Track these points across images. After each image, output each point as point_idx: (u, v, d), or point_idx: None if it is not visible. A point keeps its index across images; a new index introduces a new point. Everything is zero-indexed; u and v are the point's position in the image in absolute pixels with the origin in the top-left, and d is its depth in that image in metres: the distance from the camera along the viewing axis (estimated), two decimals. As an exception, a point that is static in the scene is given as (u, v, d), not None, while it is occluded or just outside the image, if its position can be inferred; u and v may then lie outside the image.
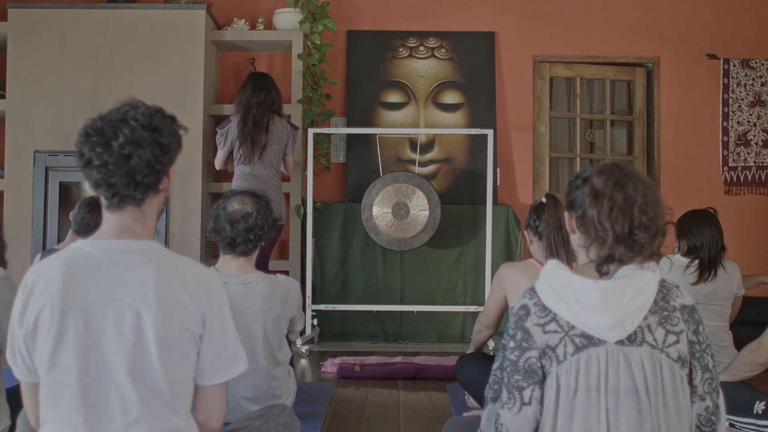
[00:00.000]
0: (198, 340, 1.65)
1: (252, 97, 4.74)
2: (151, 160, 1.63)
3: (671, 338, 1.68)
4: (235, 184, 4.76)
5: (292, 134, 4.85)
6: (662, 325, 1.69)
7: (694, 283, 3.49)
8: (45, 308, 1.61)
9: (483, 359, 3.39)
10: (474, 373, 3.30)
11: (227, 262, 2.84)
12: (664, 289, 1.74)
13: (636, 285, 1.68)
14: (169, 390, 1.62)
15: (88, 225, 3.79)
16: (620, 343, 1.66)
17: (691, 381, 1.73)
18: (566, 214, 1.81)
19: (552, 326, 1.69)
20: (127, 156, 1.62)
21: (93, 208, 3.81)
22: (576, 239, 1.79)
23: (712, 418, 1.73)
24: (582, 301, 1.67)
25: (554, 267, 1.74)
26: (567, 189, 1.82)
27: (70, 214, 3.88)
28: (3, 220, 2.83)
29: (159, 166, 1.65)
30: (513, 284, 3.09)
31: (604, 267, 1.71)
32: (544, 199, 3.10)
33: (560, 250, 2.96)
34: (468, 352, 3.52)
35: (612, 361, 1.65)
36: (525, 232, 3.20)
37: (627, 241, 1.70)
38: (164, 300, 1.61)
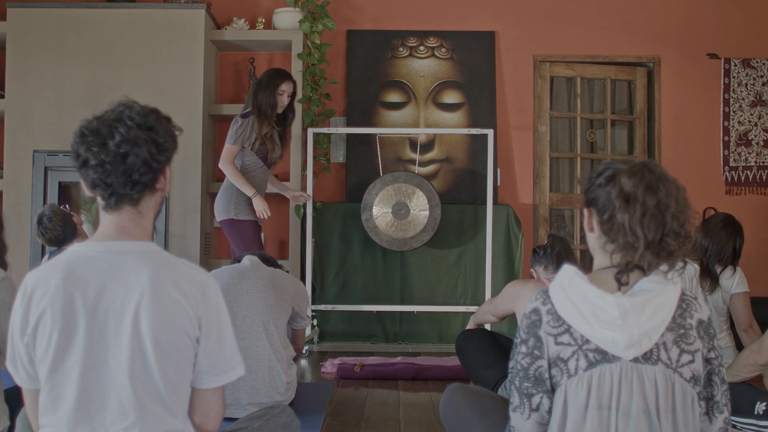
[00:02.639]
0: (195, 343, 1.64)
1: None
2: (148, 159, 1.63)
3: (686, 358, 1.64)
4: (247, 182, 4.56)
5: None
6: (677, 344, 1.63)
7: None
8: (46, 313, 1.60)
9: (487, 344, 3.35)
10: (479, 363, 3.27)
11: None
12: (684, 304, 1.67)
13: (656, 301, 1.62)
14: (166, 392, 1.61)
15: (44, 236, 3.78)
16: (635, 360, 1.61)
17: (712, 396, 1.70)
18: (585, 212, 1.74)
19: (565, 338, 1.64)
20: (124, 155, 1.61)
21: (40, 225, 3.81)
22: (594, 238, 1.72)
23: (728, 427, 1.71)
24: (599, 316, 1.60)
25: (572, 275, 1.66)
26: (587, 185, 1.74)
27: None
28: (3, 221, 2.82)
29: (155, 164, 1.65)
30: (524, 305, 3.11)
31: (624, 277, 1.63)
32: (548, 238, 3.23)
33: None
34: (471, 331, 3.54)
35: (625, 379, 1.61)
36: (532, 270, 3.31)
37: (656, 248, 1.63)
38: (160, 301, 1.60)
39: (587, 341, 1.62)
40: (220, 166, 4.53)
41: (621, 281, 1.63)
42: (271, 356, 3.07)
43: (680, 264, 1.68)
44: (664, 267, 1.66)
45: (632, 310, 1.59)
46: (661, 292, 1.63)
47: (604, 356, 1.62)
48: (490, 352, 3.28)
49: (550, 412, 1.67)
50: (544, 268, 3.21)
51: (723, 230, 3.67)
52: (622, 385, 1.61)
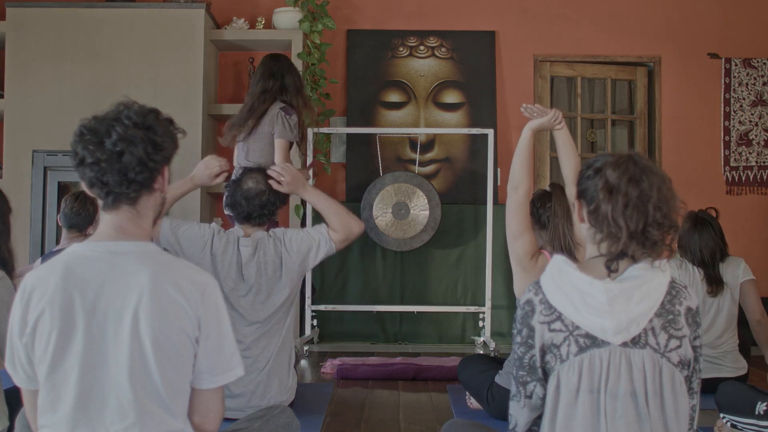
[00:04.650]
0: (194, 343, 1.64)
1: (256, 86, 4.24)
2: (144, 158, 1.62)
3: (673, 343, 1.67)
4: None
5: (279, 118, 4.15)
6: (666, 329, 1.67)
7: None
8: (44, 313, 1.60)
9: (484, 361, 3.39)
10: (475, 372, 3.31)
11: (242, 229, 3.14)
12: (674, 291, 1.71)
13: (644, 288, 1.66)
14: (166, 392, 1.61)
15: (80, 215, 3.75)
16: (624, 344, 1.65)
17: (690, 382, 1.72)
18: (576, 203, 1.78)
19: (557, 325, 1.68)
20: (119, 153, 1.61)
21: (80, 198, 3.77)
22: (585, 229, 1.76)
23: (693, 414, 1.75)
24: (588, 303, 1.65)
25: (561, 264, 1.71)
26: (578, 177, 1.78)
27: (58, 215, 3.84)
28: (10, 227, 2.83)
29: (152, 164, 1.64)
30: (527, 274, 2.95)
31: (613, 264, 1.68)
32: (548, 188, 3.05)
33: (569, 240, 2.90)
34: (472, 355, 3.52)
35: (614, 363, 1.65)
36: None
37: (640, 238, 1.67)
38: (159, 301, 1.60)
39: (577, 327, 1.66)
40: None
41: (611, 268, 1.68)
42: (270, 385, 3.08)
43: (668, 253, 1.71)
44: (650, 258, 1.69)
45: (620, 296, 1.63)
46: (650, 279, 1.67)
47: (593, 341, 1.66)
48: (487, 364, 3.32)
49: (542, 399, 1.71)
50: (538, 226, 2.98)
51: (707, 227, 3.67)
52: (610, 369, 1.64)
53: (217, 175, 3.21)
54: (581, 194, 1.76)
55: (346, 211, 3.18)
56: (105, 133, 1.61)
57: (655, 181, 1.69)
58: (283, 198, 3.18)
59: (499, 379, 3.08)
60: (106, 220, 1.69)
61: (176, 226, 3.07)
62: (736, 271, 3.65)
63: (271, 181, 3.12)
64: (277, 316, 3.11)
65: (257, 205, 3.09)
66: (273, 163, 4.07)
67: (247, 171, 3.22)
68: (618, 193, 1.67)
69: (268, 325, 3.09)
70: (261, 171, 3.19)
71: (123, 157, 1.61)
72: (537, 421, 1.75)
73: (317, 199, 3.20)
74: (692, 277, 3.63)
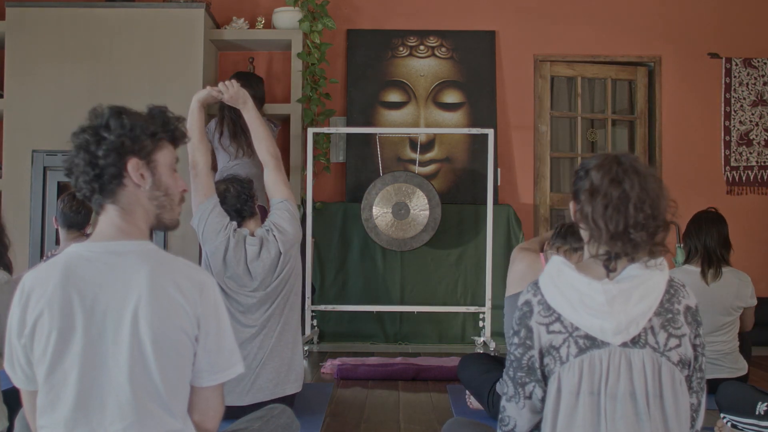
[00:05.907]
0: (194, 342, 1.64)
1: None
2: (89, 158, 1.65)
3: (673, 342, 1.67)
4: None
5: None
6: (665, 328, 1.67)
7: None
8: (44, 313, 1.60)
9: (486, 360, 3.39)
10: (476, 373, 3.30)
11: (246, 227, 3.34)
12: (672, 290, 1.71)
13: (642, 287, 1.65)
14: (165, 391, 1.61)
15: (80, 213, 3.75)
16: (623, 345, 1.65)
17: (689, 381, 1.72)
18: (571, 204, 1.78)
19: (556, 326, 1.67)
20: (73, 158, 1.67)
21: (77, 196, 3.76)
22: (582, 229, 1.76)
23: (694, 414, 1.74)
24: (587, 304, 1.64)
25: (560, 265, 1.71)
26: (573, 178, 1.79)
27: (55, 216, 3.83)
28: (3, 223, 2.84)
29: (102, 161, 1.65)
30: (517, 276, 3.04)
31: (612, 263, 1.67)
32: (565, 233, 3.10)
33: None
34: (472, 353, 3.52)
35: (613, 364, 1.64)
36: (552, 240, 3.04)
37: (623, 239, 1.66)
38: (159, 300, 1.60)
39: (577, 328, 1.66)
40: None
41: (609, 268, 1.68)
42: (269, 364, 3.18)
43: (661, 252, 1.71)
44: (644, 258, 1.69)
45: (619, 297, 1.63)
46: (649, 278, 1.67)
47: (593, 342, 1.65)
48: (488, 364, 3.33)
49: (542, 401, 1.70)
50: (555, 246, 3.01)
51: (714, 225, 3.69)
52: (610, 370, 1.64)
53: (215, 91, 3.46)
54: (574, 195, 1.77)
55: (273, 143, 3.41)
56: (72, 144, 1.68)
57: (638, 181, 1.67)
58: (248, 182, 3.38)
59: (500, 387, 3.08)
60: (101, 222, 1.70)
61: (215, 211, 3.21)
62: (744, 289, 3.66)
63: (215, 94, 3.40)
64: (282, 290, 3.22)
65: (233, 198, 3.29)
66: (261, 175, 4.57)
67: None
68: (598, 195, 1.67)
69: (274, 302, 3.20)
70: (222, 180, 3.47)
71: (75, 161, 1.67)
72: (537, 424, 1.75)
73: (251, 119, 3.40)
74: (690, 280, 3.64)
